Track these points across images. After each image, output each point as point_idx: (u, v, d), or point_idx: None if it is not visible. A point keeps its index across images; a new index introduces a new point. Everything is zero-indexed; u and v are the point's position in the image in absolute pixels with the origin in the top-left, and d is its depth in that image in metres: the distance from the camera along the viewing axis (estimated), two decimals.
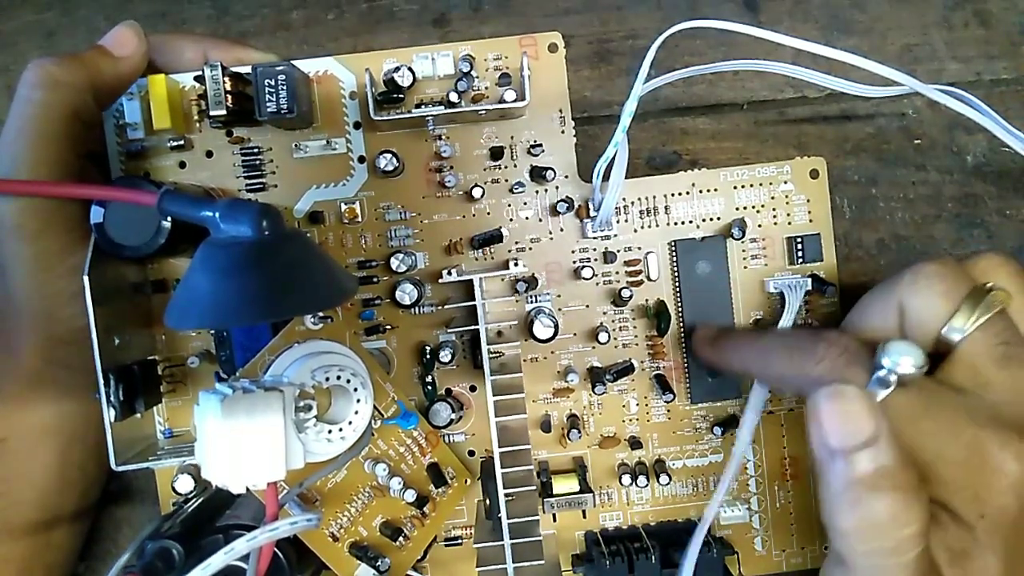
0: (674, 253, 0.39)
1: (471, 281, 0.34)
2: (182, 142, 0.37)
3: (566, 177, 0.39)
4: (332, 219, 0.38)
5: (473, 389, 0.39)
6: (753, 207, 0.39)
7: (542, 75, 0.38)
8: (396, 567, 0.36)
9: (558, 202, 0.38)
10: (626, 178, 0.35)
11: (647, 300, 0.39)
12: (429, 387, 0.39)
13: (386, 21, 0.41)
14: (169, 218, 0.32)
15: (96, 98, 0.34)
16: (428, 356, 0.38)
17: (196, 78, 0.36)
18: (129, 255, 0.32)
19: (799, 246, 0.39)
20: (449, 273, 0.35)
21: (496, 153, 0.38)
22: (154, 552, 0.31)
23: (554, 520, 0.39)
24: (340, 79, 0.37)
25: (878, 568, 0.26)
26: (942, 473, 0.27)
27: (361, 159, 0.38)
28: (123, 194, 0.31)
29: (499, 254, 0.39)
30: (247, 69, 0.34)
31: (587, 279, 0.38)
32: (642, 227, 0.39)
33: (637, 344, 0.39)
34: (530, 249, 0.39)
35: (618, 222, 0.39)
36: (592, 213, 0.38)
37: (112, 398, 0.33)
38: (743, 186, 0.39)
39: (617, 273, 0.39)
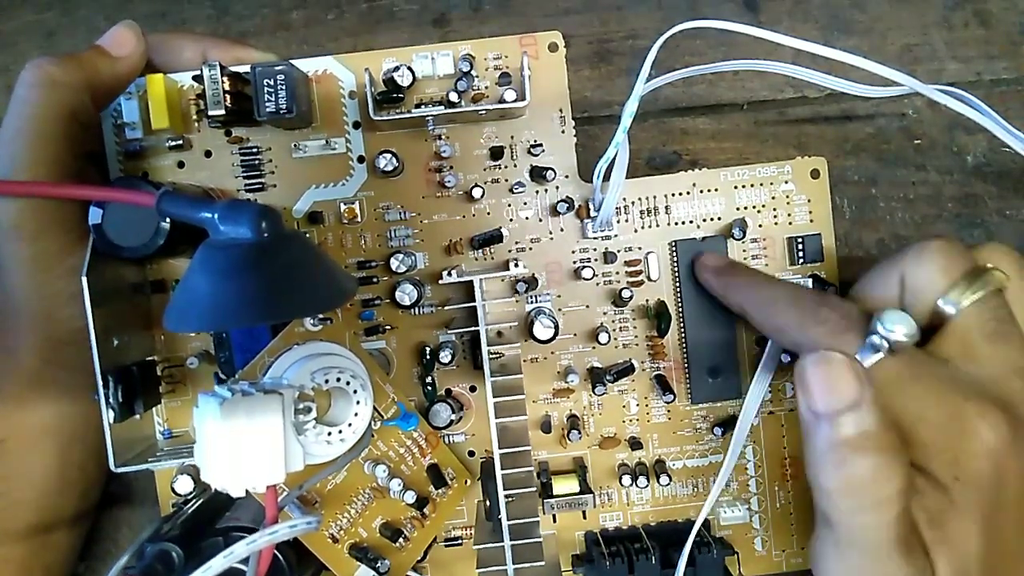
0: (674, 253, 0.39)
1: (471, 282, 0.34)
2: (181, 142, 0.37)
3: (566, 177, 0.38)
4: (331, 219, 0.38)
5: (473, 390, 0.39)
6: (754, 207, 0.39)
7: (542, 75, 0.38)
8: (396, 568, 0.36)
9: (558, 202, 0.38)
10: (626, 178, 0.35)
11: (647, 300, 0.39)
12: (429, 388, 0.39)
13: (386, 21, 0.41)
14: (168, 219, 0.32)
15: (94, 98, 0.34)
16: (428, 357, 0.38)
17: (195, 78, 0.36)
18: (128, 256, 0.32)
19: (800, 246, 0.39)
20: (449, 274, 0.35)
21: (496, 153, 0.38)
22: (154, 555, 0.31)
23: (554, 521, 0.39)
24: (339, 79, 0.37)
25: (860, 526, 0.27)
26: (923, 437, 0.28)
27: (361, 159, 0.38)
28: (122, 195, 0.31)
29: (499, 254, 0.39)
30: (246, 69, 0.34)
31: (587, 279, 0.38)
32: (642, 227, 0.39)
33: (637, 344, 0.39)
34: (530, 249, 0.39)
35: (618, 222, 0.39)
36: (592, 213, 0.38)
37: (111, 399, 0.33)
38: (744, 186, 0.39)
39: (617, 273, 0.39)
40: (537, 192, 0.39)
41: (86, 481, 0.37)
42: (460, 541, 0.39)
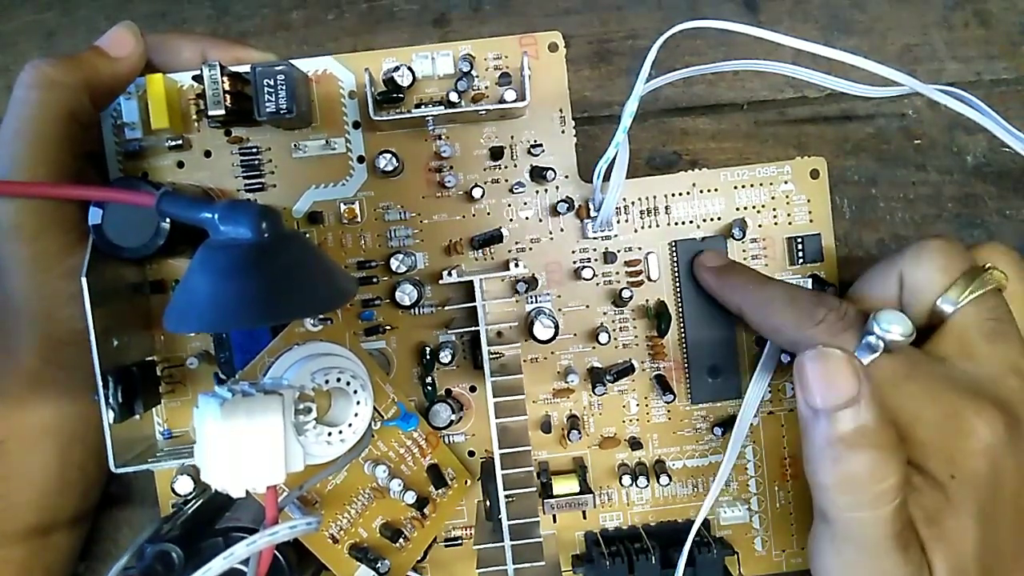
0: (674, 253, 0.39)
1: (471, 282, 0.34)
2: (180, 142, 0.37)
3: (566, 177, 0.38)
4: (331, 219, 0.38)
5: (473, 390, 0.39)
6: (753, 207, 0.39)
7: (542, 75, 0.38)
8: (396, 568, 0.36)
9: (558, 202, 0.38)
10: (626, 178, 0.35)
11: (647, 300, 0.39)
12: (429, 388, 0.39)
13: (386, 21, 0.41)
14: (168, 219, 0.32)
15: (93, 99, 0.34)
16: (428, 357, 0.38)
17: (194, 78, 0.36)
18: (128, 256, 0.32)
19: (799, 246, 0.39)
20: (449, 274, 0.35)
21: (496, 153, 0.38)
22: (153, 555, 0.31)
23: (554, 521, 0.39)
24: (339, 79, 0.37)
25: (857, 521, 0.28)
26: (919, 435, 0.29)
27: (360, 159, 0.38)
28: (121, 195, 0.31)
29: (499, 254, 0.39)
30: (246, 69, 0.34)
31: (587, 279, 0.38)
32: (642, 227, 0.39)
33: (637, 344, 0.39)
34: (530, 249, 0.39)
35: (618, 222, 0.39)
36: (592, 213, 0.38)
37: (111, 399, 0.33)
38: (743, 186, 0.39)
39: (617, 273, 0.39)
40: (537, 192, 0.39)
41: (86, 481, 0.37)
42: (460, 541, 0.39)
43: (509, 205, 0.39)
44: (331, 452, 0.30)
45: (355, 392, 0.31)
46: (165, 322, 0.26)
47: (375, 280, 0.38)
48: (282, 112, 0.33)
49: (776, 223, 0.39)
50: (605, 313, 0.39)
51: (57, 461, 0.36)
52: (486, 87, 0.38)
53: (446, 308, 0.38)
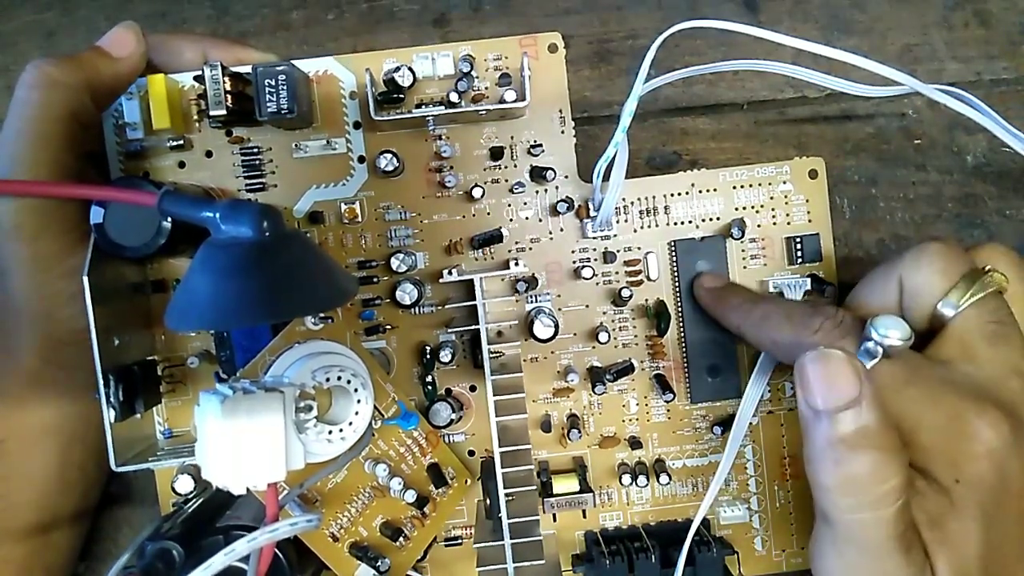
0: (674, 253, 0.39)
1: (471, 281, 0.34)
2: (181, 142, 0.37)
3: (566, 177, 0.39)
4: (332, 219, 0.38)
5: (473, 389, 0.39)
6: (752, 207, 0.39)
7: (542, 75, 0.38)
8: (396, 567, 0.36)
9: (558, 202, 0.38)
10: (626, 178, 0.35)
11: (647, 300, 0.39)
12: (429, 387, 0.39)
13: (386, 21, 0.41)
14: (169, 218, 0.32)
15: (94, 99, 0.34)
16: (428, 356, 0.38)
17: (196, 78, 0.36)
18: (129, 255, 0.32)
19: (798, 246, 0.39)
20: (449, 273, 0.35)
21: (496, 153, 0.38)
22: (154, 553, 0.31)
23: (554, 520, 0.39)
24: (340, 79, 0.37)
25: (859, 522, 0.27)
26: (923, 440, 0.28)
27: (361, 159, 0.38)
28: (123, 194, 0.31)
29: (499, 254, 0.39)
30: (247, 69, 0.34)
31: (587, 279, 0.38)
32: (642, 227, 0.39)
33: (637, 344, 0.39)
34: (530, 249, 0.39)
35: (618, 222, 0.39)
36: (592, 213, 0.38)
37: (112, 398, 0.33)
38: (742, 186, 0.39)
39: (617, 273, 0.39)
40: (537, 192, 0.39)
41: (86, 481, 0.37)
42: (460, 541, 0.39)
43: (509, 205, 0.39)
44: (332, 450, 0.31)
45: (356, 391, 0.31)
46: (166, 320, 0.26)
47: (375, 280, 0.38)
48: (283, 112, 0.33)
49: (775, 223, 0.39)
50: (605, 313, 0.39)
51: (57, 461, 0.36)
52: (486, 87, 0.38)
53: (446, 307, 0.38)
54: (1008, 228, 0.41)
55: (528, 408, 0.37)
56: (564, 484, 0.37)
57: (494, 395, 0.33)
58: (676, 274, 0.39)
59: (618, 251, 0.39)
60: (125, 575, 0.31)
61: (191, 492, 0.36)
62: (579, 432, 0.38)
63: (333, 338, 0.34)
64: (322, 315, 0.36)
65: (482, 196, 0.38)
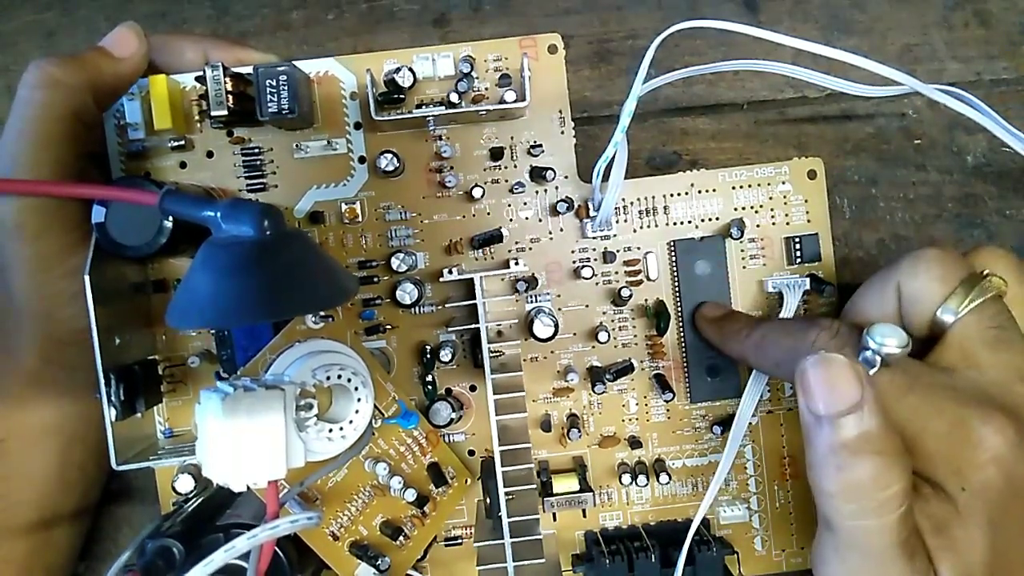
0: (673, 253, 0.39)
1: (471, 280, 0.34)
2: (183, 142, 0.37)
3: (566, 177, 0.39)
4: (332, 219, 0.38)
5: (473, 388, 0.39)
6: (751, 207, 0.39)
7: (542, 76, 0.38)
8: (396, 566, 0.36)
9: (558, 202, 0.38)
10: (626, 178, 0.35)
11: (647, 300, 0.39)
12: (429, 386, 0.39)
13: (386, 21, 0.42)
14: (170, 217, 0.32)
15: (96, 99, 0.34)
16: (428, 355, 0.38)
17: (197, 78, 0.36)
18: (130, 255, 0.32)
19: (797, 246, 0.39)
20: (449, 273, 0.35)
21: (496, 153, 0.38)
22: (154, 551, 0.31)
23: (554, 519, 0.39)
24: (341, 79, 0.37)
25: (862, 529, 0.27)
26: (927, 447, 0.28)
27: (362, 159, 0.38)
28: (124, 194, 0.31)
29: (499, 254, 0.39)
30: (248, 69, 0.34)
31: (587, 279, 0.38)
32: (641, 227, 0.39)
33: (637, 344, 0.39)
34: (530, 249, 0.39)
35: (618, 222, 0.39)
36: (592, 213, 0.38)
37: (113, 398, 0.33)
38: (741, 186, 0.39)
39: (617, 273, 0.39)
40: (537, 192, 0.39)
41: (86, 481, 0.38)
42: (460, 540, 0.39)
43: (509, 205, 0.39)
44: (332, 449, 0.31)
45: (356, 389, 0.31)
46: (167, 319, 0.26)
47: (376, 279, 0.38)
48: (284, 113, 0.34)
49: (774, 223, 0.39)
50: (604, 312, 0.39)
51: (57, 460, 0.36)
52: (486, 88, 0.38)
53: (446, 306, 0.38)
54: (1008, 228, 0.41)
55: (528, 407, 0.37)
56: (564, 483, 0.37)
57: (494, 394, 0.33)
58: (676, 274, 0.39)
59: (618, 251, 0.39)
60: (126, 573, 0.31)
61: (191, 491, 0.36)
62: (579, 432, 0.38)
63: (334, 337, 0.34)
64: (322, 314, 0.36)
65: (482, 196, 0.38)
